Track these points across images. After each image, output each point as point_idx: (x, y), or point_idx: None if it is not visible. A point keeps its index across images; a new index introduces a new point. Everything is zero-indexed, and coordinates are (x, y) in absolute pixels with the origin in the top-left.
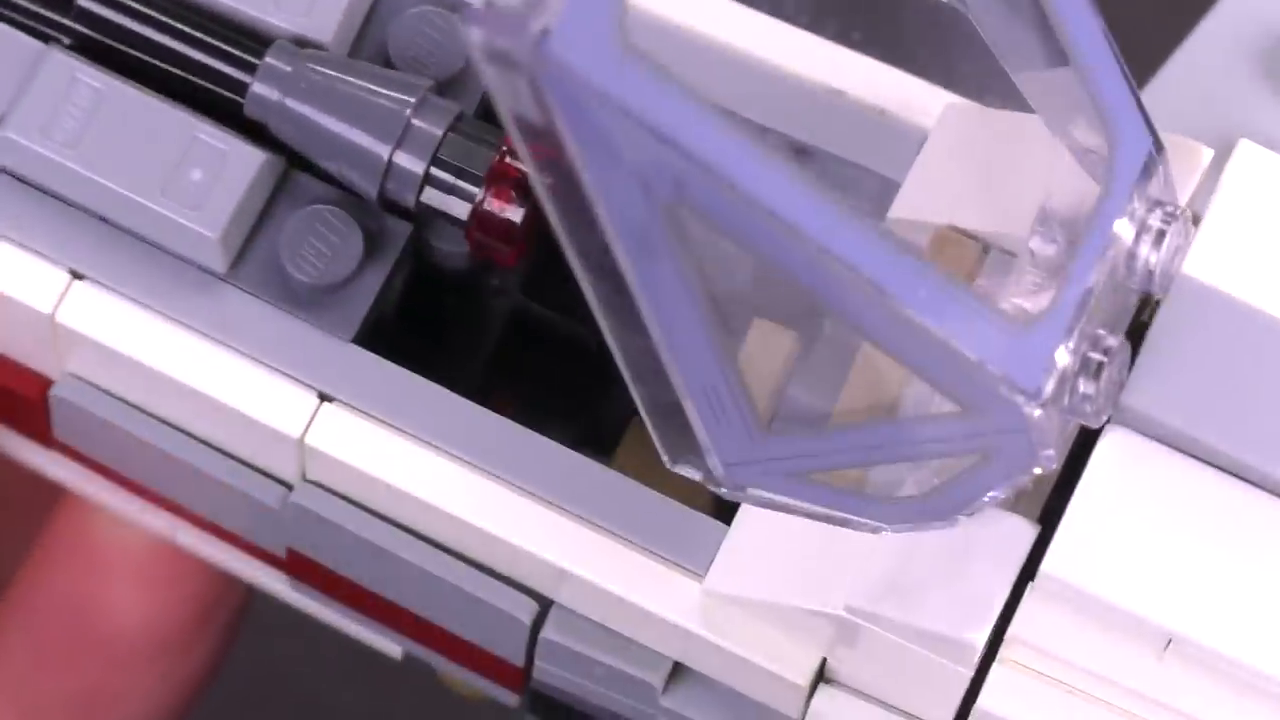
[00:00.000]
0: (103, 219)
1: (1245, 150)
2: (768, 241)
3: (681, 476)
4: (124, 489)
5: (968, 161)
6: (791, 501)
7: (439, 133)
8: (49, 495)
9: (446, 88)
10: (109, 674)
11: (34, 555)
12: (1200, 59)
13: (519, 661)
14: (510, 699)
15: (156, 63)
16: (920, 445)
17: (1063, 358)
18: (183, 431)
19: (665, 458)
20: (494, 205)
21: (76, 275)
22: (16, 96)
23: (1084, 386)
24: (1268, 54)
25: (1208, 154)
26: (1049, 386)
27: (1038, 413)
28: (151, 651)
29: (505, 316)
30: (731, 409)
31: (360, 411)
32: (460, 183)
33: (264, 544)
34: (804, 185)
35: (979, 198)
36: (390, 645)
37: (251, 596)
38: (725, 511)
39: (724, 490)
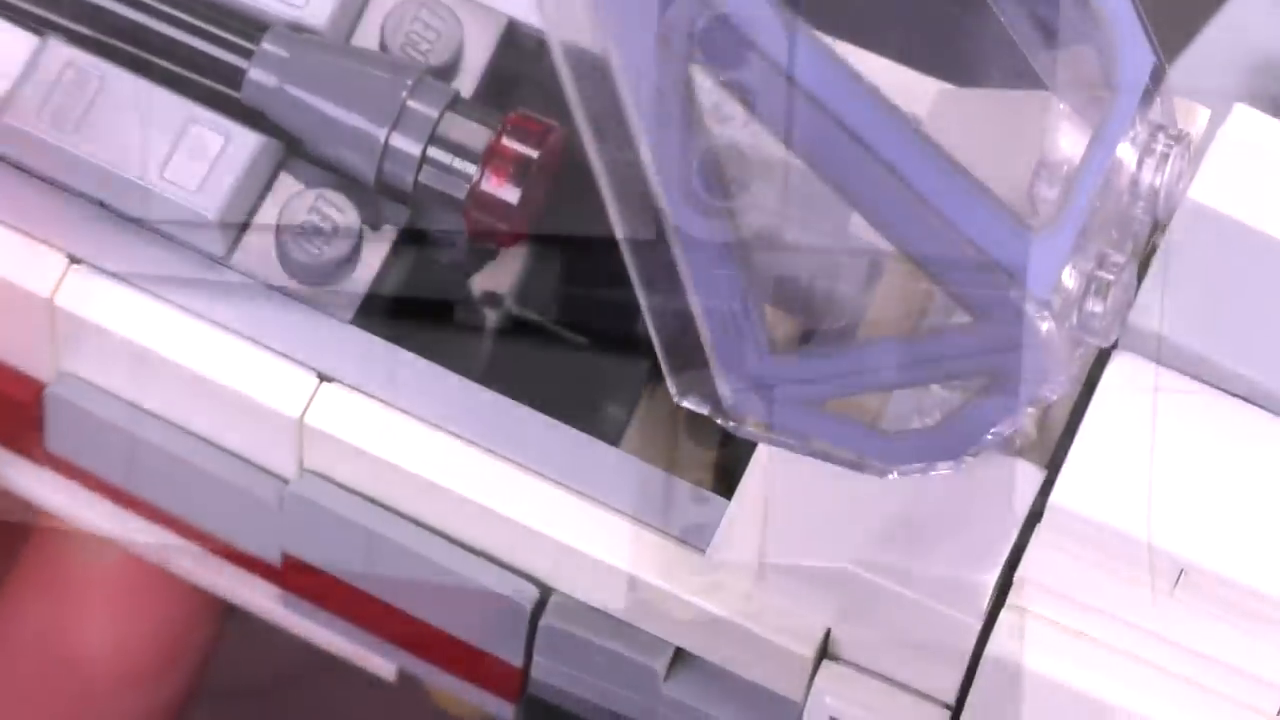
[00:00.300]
0: (100, 203)
1: (1241, 111)
2: (785, 109)
3: (684, 464)
4: (115, 502)
5: (964, 139)
6: (797, 436)
7: (435, 114)
8: (22, 523)
9: (442, 76)
10: (82, 704)
11: (6, 585)
12: (1190, 79)
13: (517, 660)
14: (506, 712)
15: (152, 58)
16: (929, 364)
17: (1069, 278)
18: (181, 429)
19: (673, 390)
20: (491, 185)
21: (74, 260)
22: (15, 83)
23: (1092, 305)
24: (1256, 73)
25: (1204, 114)
26: (1056, 299)
27: (1045, 326)
28: (124, 681)
29: (500, 325)
30: (744, 324)
31: (360, 391)
32: (457, 163)
33: (258, 551)
34: (828, 57)
35: (977, 168)
36: (384, 665)
37: (228, 622)
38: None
39: (731, 424)
